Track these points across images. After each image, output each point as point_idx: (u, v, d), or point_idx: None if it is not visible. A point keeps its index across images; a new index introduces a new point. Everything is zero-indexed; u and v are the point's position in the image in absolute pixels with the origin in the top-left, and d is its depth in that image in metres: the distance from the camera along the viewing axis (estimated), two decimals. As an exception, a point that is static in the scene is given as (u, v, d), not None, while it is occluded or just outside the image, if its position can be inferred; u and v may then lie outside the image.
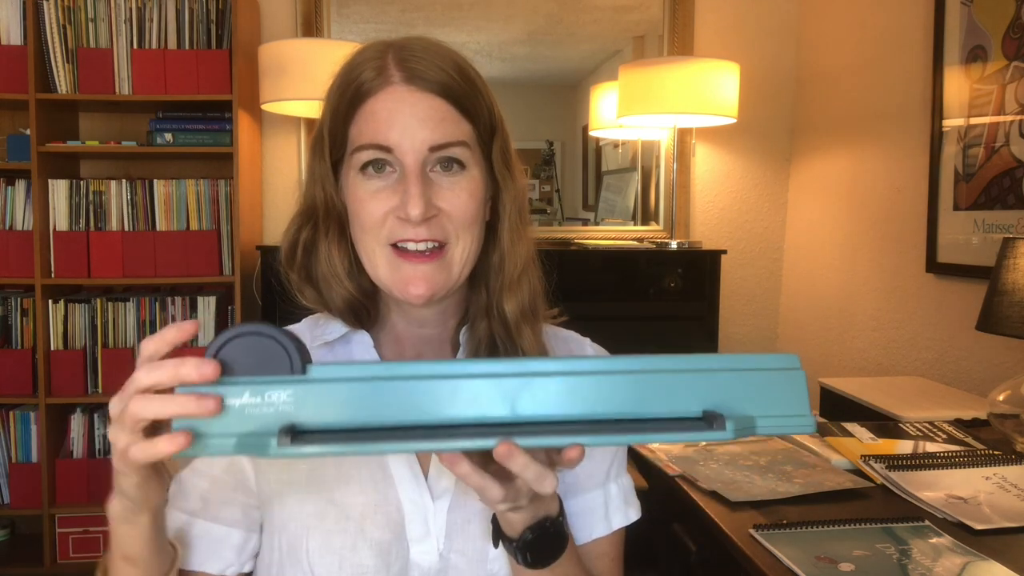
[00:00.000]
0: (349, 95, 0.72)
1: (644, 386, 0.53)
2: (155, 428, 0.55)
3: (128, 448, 0.55)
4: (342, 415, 0.53)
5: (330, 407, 0.53)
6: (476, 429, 0.53)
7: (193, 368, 0.52)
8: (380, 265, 0.73)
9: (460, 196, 0.72)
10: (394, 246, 0.72)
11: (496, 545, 0.69)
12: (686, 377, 0.53)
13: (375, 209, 0.72)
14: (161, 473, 0.61)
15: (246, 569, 0.81)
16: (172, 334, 0.55)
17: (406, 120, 0.70)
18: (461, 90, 0.72)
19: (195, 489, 0.77)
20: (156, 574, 0.68)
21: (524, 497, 0.60)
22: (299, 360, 0.53)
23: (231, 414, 0.52)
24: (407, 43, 0.73)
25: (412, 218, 0.69)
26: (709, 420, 0.52)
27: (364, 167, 0.72)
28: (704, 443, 1.44)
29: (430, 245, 0.72)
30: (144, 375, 0.54)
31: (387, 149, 0.70)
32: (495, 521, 0.69)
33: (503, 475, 0.58)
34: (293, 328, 0.84)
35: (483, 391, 0.53)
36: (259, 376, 0.53)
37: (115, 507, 0.63)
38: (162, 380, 0.53)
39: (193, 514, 0.77)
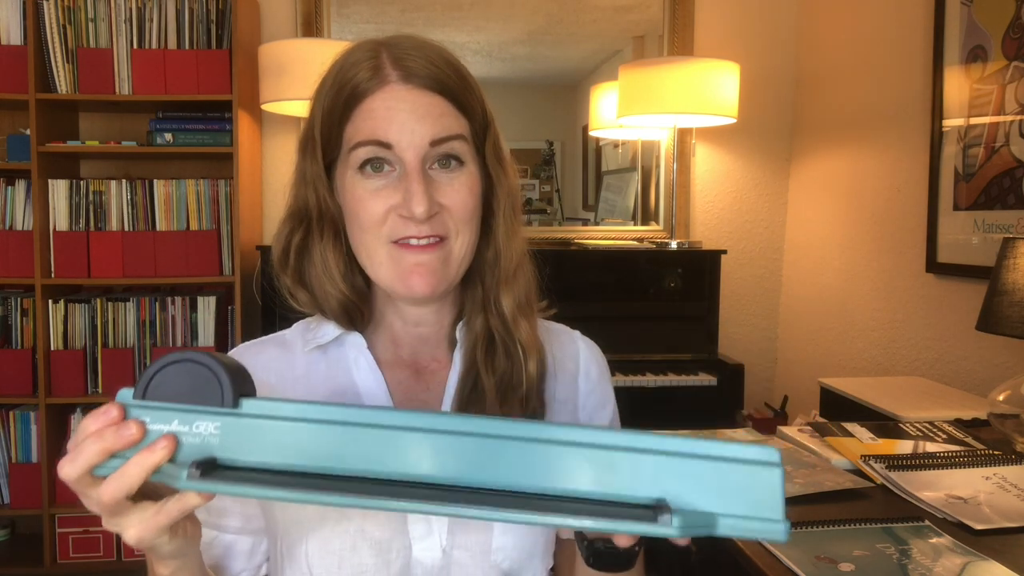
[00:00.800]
0: (345, 95, 0.72)
1: (601, 462, 0.48)
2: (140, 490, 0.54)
3: (145, 525, 0.54)
4: (270, 455, 0.50)
5: (258, 445, 0.50)
6: (414, 491, 0.49)
7: (113, 436, 0.51)
8: (382, 263, 0.73)
9: (460, 192, 0.72)
10: (394, 242, 0.72)
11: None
12: (648, 458, 0.48)
13: (376, 207, 0.71)
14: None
15: (262, 573, 0.81)
16: (92, 426, 0.53)
17: (405, 117, 0.70)
18: (456, 86, 0.72)
19: None
20: None
21: None
22: (231, 391, 0.51)
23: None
24: (398, 41, 0.73)
25: (416, 216, 0.69)
26: (655, 511, 0.46)
27: (363, 166, 0.72)
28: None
29: (432, 240, 0.72)
30: (69, 469, 0.52)
31: (386, 145, 0.70)
32: None
33: None
34: (285, 333, 0.84)
35: (421, 447, 0.50)
36: (190, 405, 0.51)
37: (163, 572, 0.63)
38: (90, 462, 0.52)
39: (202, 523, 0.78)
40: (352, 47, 0.74)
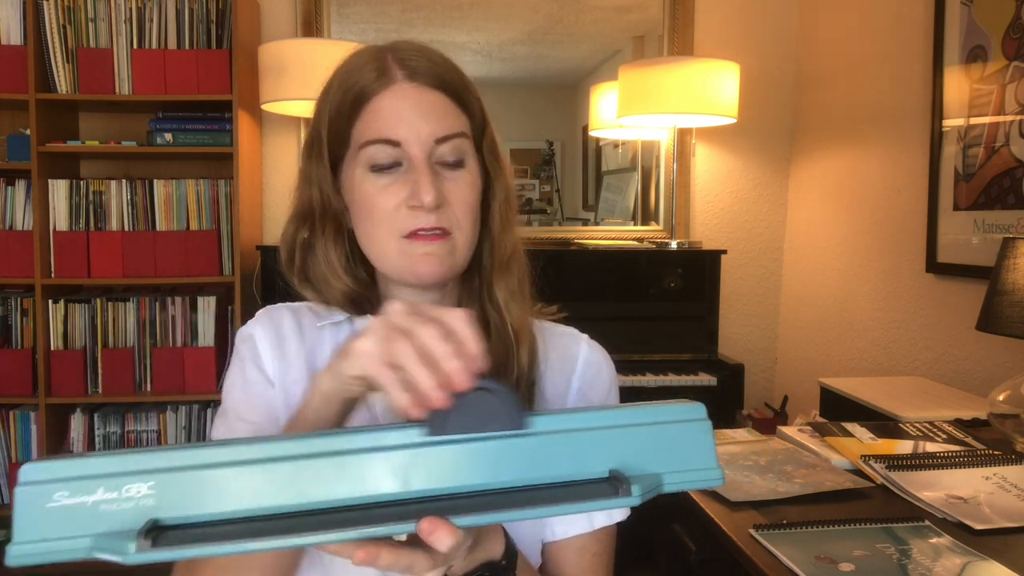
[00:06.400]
0: (352, 96, 0.74)
1: (547, 448, 0.49)
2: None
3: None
4: (215, 504, 0.46)
5: (200, 497, 0.46)
6: (381, 512, 0.46)
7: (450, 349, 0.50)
8: (392, 257, 0.75)
9: (463, 188, 0.75)
10: (405, 237, 0.74)
11: None
12: (590, 436, 0.49)
13: (386, 202, 0.73)
14: (344, 402, 0.61)
15: None
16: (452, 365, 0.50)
17: (411, 115, 0.72)
18: (459, 84, 0.75)
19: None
20: None
21: (458, 556, 0.56)
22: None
23: (82, 513, 0.45)
24: (399, 45, 0.76)
25: (426, 204, 0.71)
26: (614, 485, 0.48)
27: (373, 165, 0.74)
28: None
29: (437, 232, 0.74)
30: (433, 335, 0.51)
31: (395, 143, 0.72)
32: None
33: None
34: (312, 304, 0.83)
35: (370, 467, 0.47)
36: (114, 466, 0.46)
37: (324, 382, 0.62)
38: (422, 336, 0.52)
39: None
40: (355, 52, 0.77)
